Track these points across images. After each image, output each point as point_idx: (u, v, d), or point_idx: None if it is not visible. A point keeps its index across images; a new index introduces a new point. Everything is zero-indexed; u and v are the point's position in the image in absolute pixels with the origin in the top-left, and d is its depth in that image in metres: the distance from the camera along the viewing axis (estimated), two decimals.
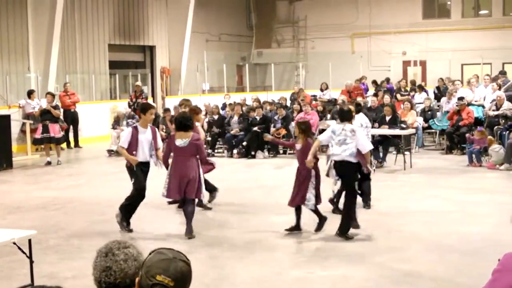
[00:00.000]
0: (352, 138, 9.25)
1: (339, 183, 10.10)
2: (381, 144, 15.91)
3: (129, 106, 20.86)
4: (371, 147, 9.78)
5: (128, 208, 9.89)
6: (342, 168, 9.43)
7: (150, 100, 24.20)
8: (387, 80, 25.26)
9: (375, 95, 21.77)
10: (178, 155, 9.48)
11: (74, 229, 10.14)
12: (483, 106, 18.52)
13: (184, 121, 9.56)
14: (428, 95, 21.93)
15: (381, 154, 15.98)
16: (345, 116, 9.61)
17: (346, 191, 9.66)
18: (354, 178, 9.52)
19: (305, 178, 9.39)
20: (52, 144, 17.51)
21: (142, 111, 9.99)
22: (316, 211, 9.51)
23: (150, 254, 2.89)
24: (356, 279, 7.44)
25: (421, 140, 18.86)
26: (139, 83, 22.74)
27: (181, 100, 13.34)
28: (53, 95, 18.30)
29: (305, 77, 32.29)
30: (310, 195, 9.32)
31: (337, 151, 9.35)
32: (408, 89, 23.04)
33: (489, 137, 15.84)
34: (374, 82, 24.50)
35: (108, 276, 2.98)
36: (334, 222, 9.42)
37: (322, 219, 9.55)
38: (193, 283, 7.85)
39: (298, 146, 9.65)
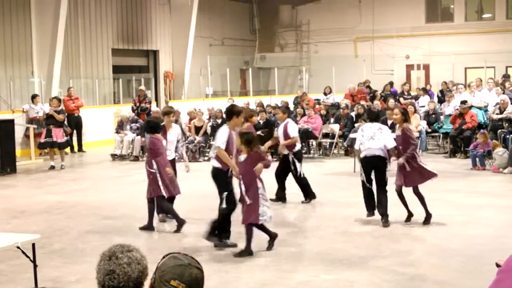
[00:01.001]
0: (379, 134, 10.20)
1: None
2: None
3: (133, 111, 20.89)
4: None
5: (222, 225, 9.10)
6: (374, 161, 10.22)
7: (153, 105, 24.22)
8: (391, 83, 25.26)
9: (372, 98, 21.84)
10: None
11: (77, 233, 10.15)
12: (482, 108, 18.46)
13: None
14: (432, 98, 21.92)
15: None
16: (372, 116, 10.95)
17: (379, 184, 10.24)
18: (384, 170, 10.33)
19: (255, 192, 8.57)
20: (56, 149, 17.54)
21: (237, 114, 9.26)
22: (263, 227, 8.81)
23: (164, 257, 2.90)
24: (360, 283, 7.43)
25: (425, 143, 18.84)
26: (142, 87, 22.78)
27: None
28: (59, 100, 18.29)
29: (308, 81, 32.29)
30: (264, 208, 8.60)
31: (367, 145, 10.22)
32: (415, 93, 23.00)
33: (494, 140, 15.82)
34: (368, 86, 24.51)
35: (112, 279, 2.98)
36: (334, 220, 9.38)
37: (272, 237, 8.93)
38: None
39: (242, 157, 8.69)
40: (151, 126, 10.42)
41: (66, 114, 18.79)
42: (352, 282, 7.47)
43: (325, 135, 19.17)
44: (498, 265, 2.97)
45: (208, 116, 20.12)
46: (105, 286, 2.99)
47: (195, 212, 11.12)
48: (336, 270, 7.92)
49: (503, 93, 18.65)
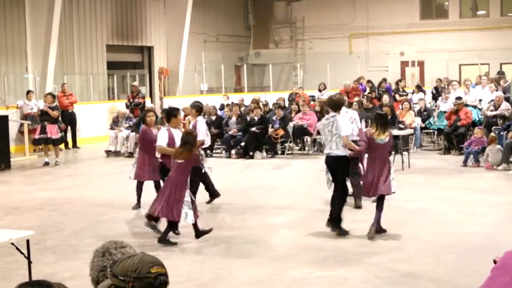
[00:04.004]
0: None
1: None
2: None
3: (127, 107, 20.87)
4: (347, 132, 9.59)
5: None
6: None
7: (147, 101, 24.21)
8: (385, 80, 25.27)
9: (369, 94, 21.87)
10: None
11: (72, 230, 10.14)
12: (477, 107, 18.50)
13: None
14: (425, 95, 21.97)
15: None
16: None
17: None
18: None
19: (181, 189, 8.94)
20: (50, 145, 17.51)
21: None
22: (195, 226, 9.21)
23: (114, 266, 2.87)
24: (355, 279, 7.44)
25: (419, 140, 18.88)
26: (135, 83, 22.78)
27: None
28: (53, 96, 18.29)
29: (303, 77, 32.30)
30: (187, 210, 8.89)
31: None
32: (411, 90, 23.04)
33: (492, 134, 15.83)
34: (369, 81, 24.54)
35: (106, 275, 2.98)
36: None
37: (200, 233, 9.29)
38: (191, 283, 7.88)
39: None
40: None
41: (60, 110, 18.74)
42: (346, 279, 7.48)
43: (320, 132, 19.16)
44: (495, 262, 2.98)
45: (203, 112, 20.08)
46: (99, 283, 2.99)
47: None
48: (330, 266, 7.93)
49: (496, 90, 18.70)
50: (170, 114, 10.58)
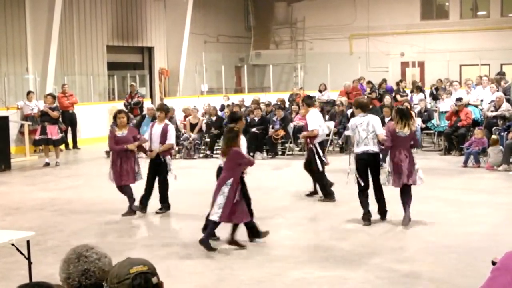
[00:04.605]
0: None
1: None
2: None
3: (126, 107, 20.89)
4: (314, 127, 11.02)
5: None
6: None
7: (148, 101, 24.24)
8: (385, 81, 25.25)
9: (370, 94, 21.86)
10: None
11: (72, 230, 10.14)
12: (478, 107, 18.50)
13: None
14: (425, 96, 21.96)
15: (380, 156, 15.93)
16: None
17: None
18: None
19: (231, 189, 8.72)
20: (51, 146, 17.51)
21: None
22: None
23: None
24: (355, 280, 7.44)
25: (420, 141, 18.85)
26: (133, 83, 22.89)
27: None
28: (53, 97, 18.31)
29: (303, 78, 32.30)
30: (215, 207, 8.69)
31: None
32: (409, 90, 23.06)
33: (493, 136, 15.82)
34: (370, 82, 24.53)
35: (89, 278, 2.98)
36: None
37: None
38: (192, 284, 7.88)
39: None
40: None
41: (60, 111, 18.75)
42: (346, 279, 7.48)
43: None
44: (493, 263, 2.97)
45: (204, 113, 20.11)
46: (81, 287, 2.98)
47: (191, 208, 11.13)
48: (331, 267, 7.93)
49: (497, 91, 18.70)
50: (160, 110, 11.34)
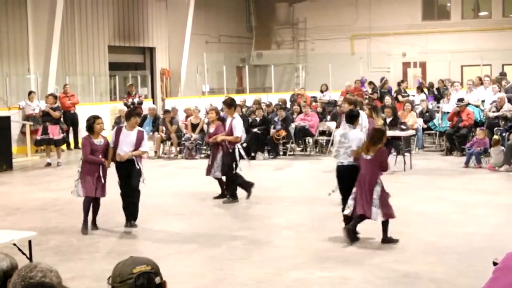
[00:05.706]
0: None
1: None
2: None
3: (127, 107, 20.89)
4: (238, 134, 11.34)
5: None
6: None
7: (149, 102, 24.26)
8: (386, 81, 25.23)
9: (371, 95, 21.85)
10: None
11: (73, 231, 10.13)
12: (479, 107, 18.48)
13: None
14: (427, 96, 21.94)
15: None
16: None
17: None
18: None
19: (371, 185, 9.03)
20: (52, 146, 17.53)
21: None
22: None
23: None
24: (355, 280, 7.44)
25: (421, 141, 18.88)
26: (131, 83, 23.01)
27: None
28: (55, 97, 18.34)
29: (305, 78, 32.30)
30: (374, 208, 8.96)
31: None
32: (426, 91, 22.89)
33: (495, 136, 15.81)
34: (371, 83, 24.53)
35: None
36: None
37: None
38: (192, 284, 7.89)
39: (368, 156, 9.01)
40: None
41: (62, 111, 18.78)
42: (347, 279, 7.48)
43: (322, 133, 19.20)
44: (495, 263, 2.97)
45: (205, 113, 20.11)
46: None
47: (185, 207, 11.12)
48: (331, 267, 7.94)
49: (499, 91, 18.68)
50: (128, 116, 10.38)
